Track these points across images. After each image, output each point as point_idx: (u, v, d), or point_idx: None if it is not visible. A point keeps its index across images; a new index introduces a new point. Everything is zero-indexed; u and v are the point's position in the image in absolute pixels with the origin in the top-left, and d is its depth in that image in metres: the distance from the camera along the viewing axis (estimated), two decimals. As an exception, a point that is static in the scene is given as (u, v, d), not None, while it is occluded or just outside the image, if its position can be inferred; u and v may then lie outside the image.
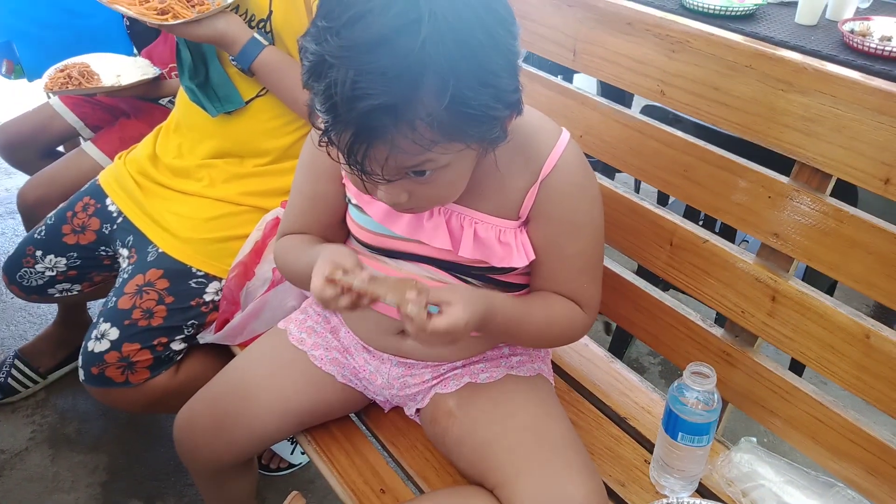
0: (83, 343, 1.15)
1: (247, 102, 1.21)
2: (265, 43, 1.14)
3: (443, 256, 0.86)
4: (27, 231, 1.60)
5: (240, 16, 1.19)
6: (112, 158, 1.47)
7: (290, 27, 1.14)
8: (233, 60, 1.16)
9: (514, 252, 0.84)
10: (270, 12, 1.14)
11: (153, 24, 1.11)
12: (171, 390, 1.18)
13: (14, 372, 1.61)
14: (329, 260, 0.76)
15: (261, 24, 1.16)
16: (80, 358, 1.15)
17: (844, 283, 0.85)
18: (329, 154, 0.71)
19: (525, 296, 0.91)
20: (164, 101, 1.67)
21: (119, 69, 1.45)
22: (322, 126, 0.68)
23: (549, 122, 0.86)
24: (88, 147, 1.62)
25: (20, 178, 2.53)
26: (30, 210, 1.59)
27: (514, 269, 0.87)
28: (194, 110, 1.24)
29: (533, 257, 0.85)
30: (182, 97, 1.29)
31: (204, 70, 1.21)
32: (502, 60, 0.66)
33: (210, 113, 1.21)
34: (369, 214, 0.86)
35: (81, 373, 1.15)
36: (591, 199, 0.86)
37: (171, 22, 1.09)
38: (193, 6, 1.13)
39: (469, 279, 0.88)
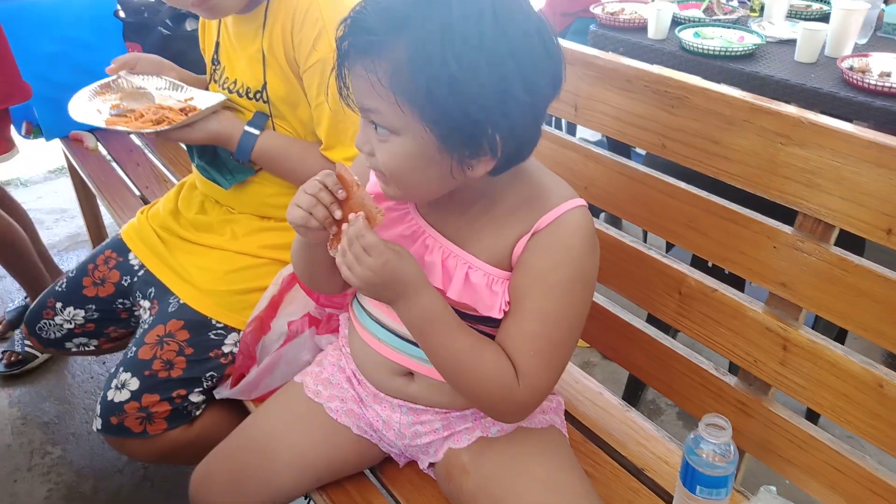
0: (104, 393, 1.16)
1: (257, 170, 1.24)
2: (257, 132, 1.18)
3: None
4: None
5: (236, 91, 1.23)
6: None
7: (286, 97, 1.17)
8: (233, 157, 1.21)
9: (500, 301, 0.83)
10: (265, 84, 1.17)
11: (149, 134, 1.17)
12: (185, 443, 1.19)
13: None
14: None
15: (257, 95, 1.19)
16: (99, 407, 1.16)
17: (853, 332, 0.85)
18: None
19: None
20: None
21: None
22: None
23: (568, 188, 0.85)
24: None
25: (38, 233, 2.59)
26: None
27: (497, 321, 0.85)
28: (210, 184, 1.28)
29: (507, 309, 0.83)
30: (197, 173, 1.33)
31: (212, 148, 1.25)
32: (470, 91, 0.69)
33: (223, 186, 1.24)
34: None
35: (99, 421, 1.15)
36: (577, 269, 0.81)
37: (165, 127, 1.15)
38: (186, 113, 1.19)
39: None
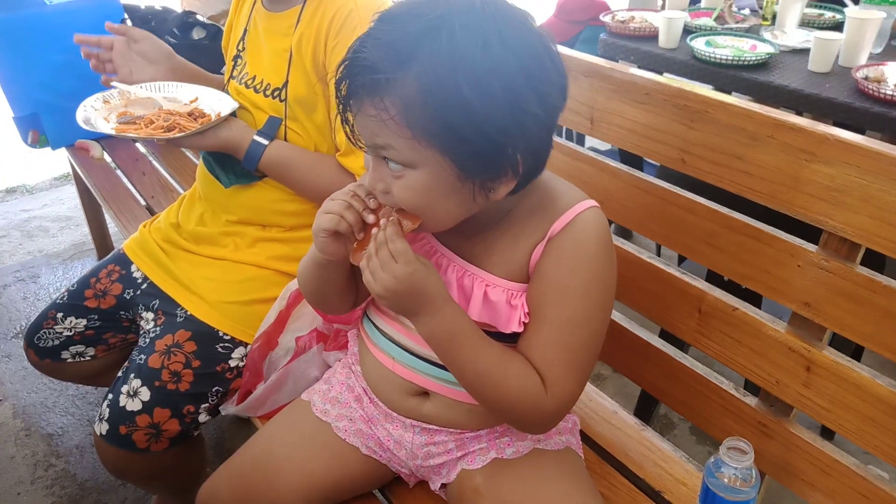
0: (113, 396, 1.14)
1: (261, 177, 1.23)
2: (265, 142, 1.17)
3: None
4: None
5: (253, 87, 1.22)
6: None
7: (305, 99, 1.17)
8: (241, 164, 1.20)
9: (519, 314, 0.81)
10: (287, 82, 1.17)
11: (161, 141, 1.16)
12: (162, 467, 1.19)
13: None
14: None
15: (276, 93, 1.19)
16: (108, 411, 1.13)
17: (881, 354, 0.82)
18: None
19: None
20: None
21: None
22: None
23: (577, 190, 0.84)
24: None
25: (42, 242, 2.59)
26: None
27: (517, 336, 0.83)
28: (212, 184, 1.26)
29: (527, 320, 0.82)
30: (200, 170, 1.32)
31: None
32: (487, 114, 0.68)
33: (223, 184, 1.23)
34: None
35: (105, 426, 1.13)
36: (595, 272, 0.79)
37: (177, 135, 1.14)
38: (196, 119, 1.18)
39: None
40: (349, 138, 0.77)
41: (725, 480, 0.82)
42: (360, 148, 0.76)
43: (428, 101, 0.67)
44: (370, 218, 0.79)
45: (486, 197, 0.75)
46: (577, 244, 0.79)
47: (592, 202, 0.82)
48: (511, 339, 0.83)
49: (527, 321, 0.81)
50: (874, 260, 0.87)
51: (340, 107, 0.74)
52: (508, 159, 0.71)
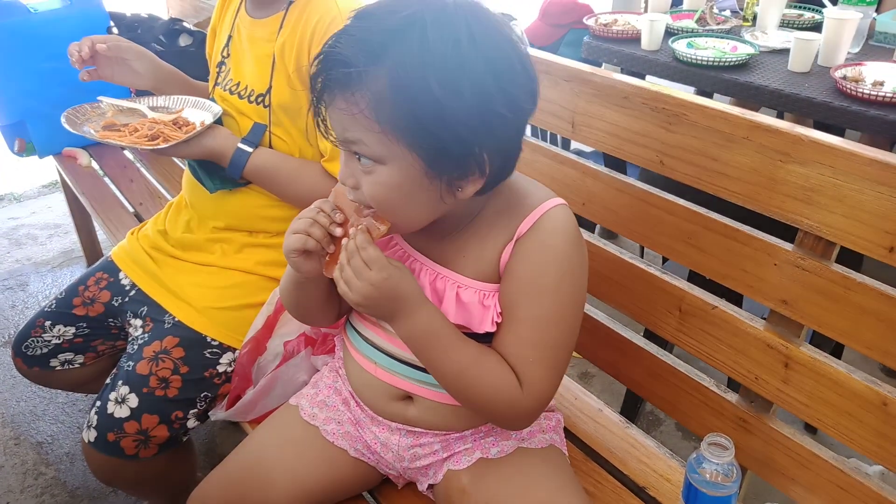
0: (101, 403, 1.14)
1: (246, 183, 1.24)
2: (249, 150, 1.19)
3: None
4: None
5: (238, 93, 1.23)
6: None
7: (288, 105, 1.18)
8: (226, 172, 1.21)
9: (492, 314, 0.82)
10: (270, 87, 1.18)
11: (145, 150, 1.17)
12: (153, 473, 1.19)
13: None
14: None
15: (259, 99, 1.20)
16: (96, 418, 1.13)
17: (857, 350, 0.84)
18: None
19: None
20: None
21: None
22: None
23: (544, 189, 0.85)
24: None
25: (31, 250, 2.58)
26: None
27: (491, 336, 0.84)
28: (198, 190, 1.27)
29: (499, 320, 0.83)
30: (186, 177, 1.32)
31: None
32: (454, 112, 0.69)
33: (208, 189, 1.24)
34: None
35: (93, 433, 1.13)
36: (565, 269, 0.80)
37: (162, 146, 1.15)
38: (180, 127, 1.19)
39: None
40: (319, 131, 0.78)
41: (707, 476, 0.84)
42: (332, 143, 0.77)
43: (397, 96, 0.69)
44: (338, 231, 0.80)
45: (453, 196, 0.76)
46: (545, 242, 0.80)
47: (559, 200, 0.83)
48: (485, 339, 0.84)
49: (500, 321, 0.82)
50: (852, 259, 0.89)
51: (314, 101, 0.76)
52: (475, 158, 0.73)
